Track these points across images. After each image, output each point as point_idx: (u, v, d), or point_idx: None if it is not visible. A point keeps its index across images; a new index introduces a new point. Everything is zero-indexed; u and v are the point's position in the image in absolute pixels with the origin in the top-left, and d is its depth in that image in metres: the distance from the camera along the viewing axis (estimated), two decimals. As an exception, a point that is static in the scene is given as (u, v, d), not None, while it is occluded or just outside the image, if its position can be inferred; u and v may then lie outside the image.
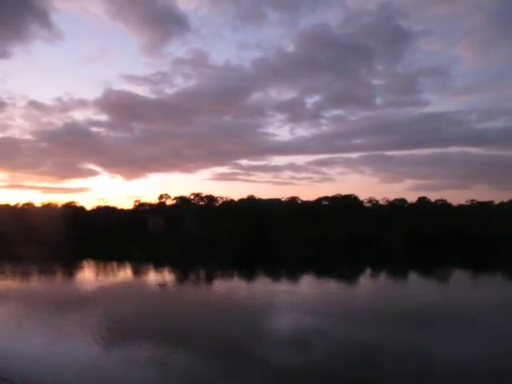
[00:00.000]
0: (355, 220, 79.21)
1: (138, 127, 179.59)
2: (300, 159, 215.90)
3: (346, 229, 76.94)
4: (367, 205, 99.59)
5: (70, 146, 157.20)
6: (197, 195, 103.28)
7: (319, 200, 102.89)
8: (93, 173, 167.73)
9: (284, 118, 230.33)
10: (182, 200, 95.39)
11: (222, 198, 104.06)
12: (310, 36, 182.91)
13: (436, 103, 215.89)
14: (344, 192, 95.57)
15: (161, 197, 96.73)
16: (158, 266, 47.80)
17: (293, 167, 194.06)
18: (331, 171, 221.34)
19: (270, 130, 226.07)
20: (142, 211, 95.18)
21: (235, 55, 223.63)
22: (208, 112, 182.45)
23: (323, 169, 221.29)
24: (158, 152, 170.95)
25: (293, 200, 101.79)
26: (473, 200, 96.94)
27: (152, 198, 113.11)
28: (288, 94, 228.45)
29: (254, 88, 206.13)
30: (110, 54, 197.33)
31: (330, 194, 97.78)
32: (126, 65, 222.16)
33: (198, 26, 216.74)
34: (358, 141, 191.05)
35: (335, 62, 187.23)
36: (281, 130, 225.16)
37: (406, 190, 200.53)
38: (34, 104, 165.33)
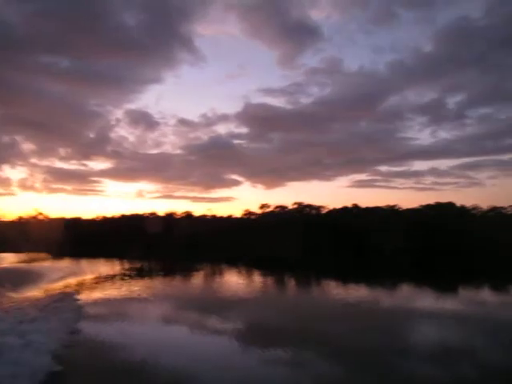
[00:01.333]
0: (448, 230, 77.13)
1: (276, 137, 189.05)
2: (443, 163, 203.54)
3: (438, 239, 75.61)
4: (473, 212, 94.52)
5: (214, 158, 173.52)
6: (299, 204, 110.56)
7: (421, 208, 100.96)
8: (236, 183, 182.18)
9: (424, 120, 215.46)
10: (281, 209, 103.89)
11: (323, 207, 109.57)
12: (450, 32, 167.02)
13: None
14: (495, 197, 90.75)
15: (262, 206, 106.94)
16: (266, 271, 52.73)
17: (435, 172, 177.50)
18: (480, 175, 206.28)
19: (410, 134, 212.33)
20: (247, 220, 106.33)
21: (369, 60, 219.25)
22: (344, 119, 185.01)
23: (470, 173, 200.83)
24: (297, 161, 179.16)
25: (391, 208, 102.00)
26: None
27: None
28: (427, 96, 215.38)
29: (391, 92, 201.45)
30: (249, 69, 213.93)
31: (478, 199, 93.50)
32: (263, 78, 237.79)
33: (330, 34, 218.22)
34: (511, 141, 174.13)
35: (480, 57, 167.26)
36: (421, 134, 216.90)
37: None
38: (182, 121, 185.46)
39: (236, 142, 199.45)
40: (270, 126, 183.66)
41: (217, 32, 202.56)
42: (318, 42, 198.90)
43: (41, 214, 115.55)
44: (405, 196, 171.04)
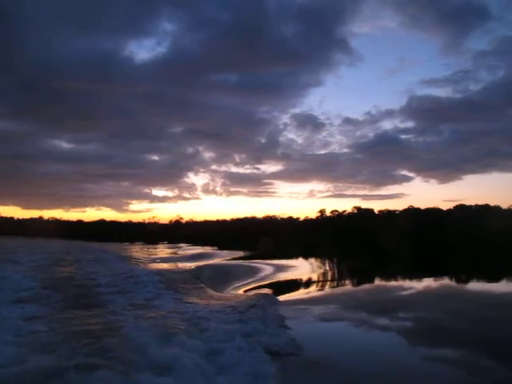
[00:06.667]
0: None
1: (446, 129, 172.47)
2: None
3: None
4: None
5: (381, 155, 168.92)
6: (358, 208, 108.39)
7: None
8: (406, 178, 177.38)
9: None
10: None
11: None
12: None
13: None
14: None
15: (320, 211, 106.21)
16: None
17: None
18: None
19: None
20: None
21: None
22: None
23: None
24: (471, 152, 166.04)
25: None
26: None
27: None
28: None
29: None
30: (409, 62, 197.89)
31: None
32: (425, 70, 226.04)
33: (500, 11, 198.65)
34: None
35: None
36: None
37: None
38: (347, 121, 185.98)
39: (403, 136, 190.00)
40: (437, 117, 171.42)
41: (372, 29, 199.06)
42: (485, 23, 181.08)
43: (182, 218, 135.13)
44: None
